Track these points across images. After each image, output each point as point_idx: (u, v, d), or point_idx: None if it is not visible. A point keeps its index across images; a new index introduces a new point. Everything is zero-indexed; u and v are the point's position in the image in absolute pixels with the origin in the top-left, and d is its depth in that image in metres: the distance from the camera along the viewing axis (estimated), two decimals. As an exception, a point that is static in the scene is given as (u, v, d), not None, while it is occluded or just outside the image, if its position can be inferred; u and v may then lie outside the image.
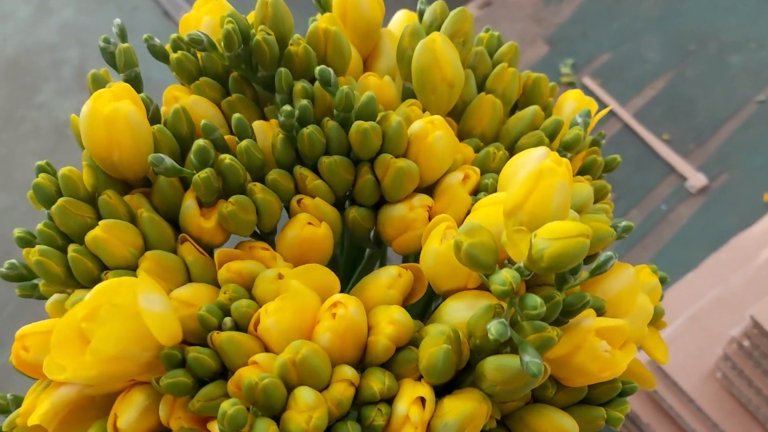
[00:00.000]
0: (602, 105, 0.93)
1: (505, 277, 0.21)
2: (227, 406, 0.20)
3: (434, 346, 0.23)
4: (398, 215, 0.27)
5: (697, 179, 0.86)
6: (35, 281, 0.28)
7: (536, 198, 0.22)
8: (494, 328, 0.20)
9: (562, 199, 0.23)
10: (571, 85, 0.94)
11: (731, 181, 0.86)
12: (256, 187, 0.26)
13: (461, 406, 0.23)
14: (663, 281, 0.30)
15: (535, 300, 0.21)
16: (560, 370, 0.25)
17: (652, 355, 0.29)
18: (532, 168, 0.23)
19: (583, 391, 0.26)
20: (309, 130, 0.26)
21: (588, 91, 0.94)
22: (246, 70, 0.29)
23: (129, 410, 0.23)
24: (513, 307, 0.22)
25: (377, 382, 0.23)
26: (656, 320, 0.29)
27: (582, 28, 1.00)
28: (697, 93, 0.94)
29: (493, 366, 0.23)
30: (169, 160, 0.25)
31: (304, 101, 0.26)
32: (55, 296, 0.26)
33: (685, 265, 0.80)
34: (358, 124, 0.26)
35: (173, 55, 0.29)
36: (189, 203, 0.26)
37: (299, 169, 0.27)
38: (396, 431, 0.22)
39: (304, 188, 0.27)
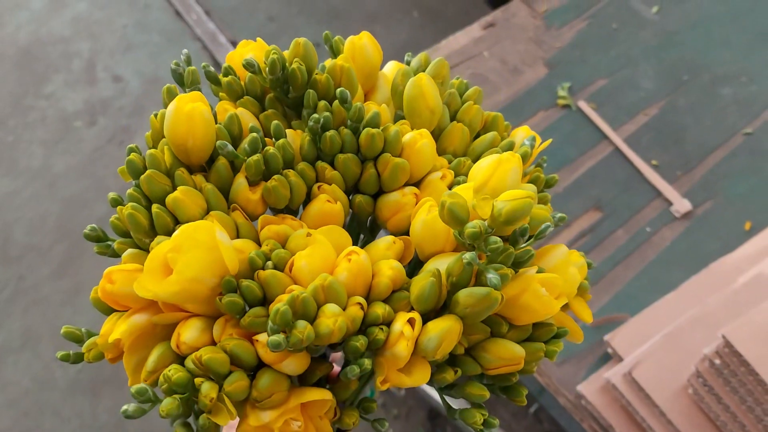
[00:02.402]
0: (596, 128, 0.96)
1: (475, 222, 0.28)
2: (279, 305, 0.27)
3: (423, 281, 0.30)
4: (393, 200, 0.35)
5: (682, 204, 0.90)
6: (109, 243, 0.36)
7: (497, 178, 0.32)
8: (468, 256, 0.29)
9: (515, 179, 0.32)
10: (567, 107, 0.98)
11: (715, 208, 0.90)
12: (290, 173, 0.34)
13: (440, 324, 0.30)
14: (589, 266, 0.38)
15: (496, 239, 0.28)
16: (511, 310, 0.32)
17: (578, 314, 0.36)
18: (494, 158, 0.32)
19: (528, 330, 0.33)
20: (330, 133, 0.34)
21: (582, 115, 0.97)
22: (280, 93, 0.37)
23: (189, 330, 0.30)
24: (480, 250, 0.29)
25: (380, 309, 0.30)
26: (583, 292, 0.37)
27: (581, 54, 1.04)
28: (688, 122, 0.97)
29: (465, 294, 0.30)
30: (230, 146, 0.33)
31: (327, 113, 0.35)
32: (130, 250, 0.34)
33: (666, 286, 0.84)
34: (367, 130, 0.34)
35: (224, 79, 0.37)
36: (241, 180, 0.34)
37: (320, 163, 0.35)
38: (393, 344, 0.30)
39: (323, 178, 0.35)
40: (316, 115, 0.34)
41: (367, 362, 0.30)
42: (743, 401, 0.68)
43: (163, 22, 1.86)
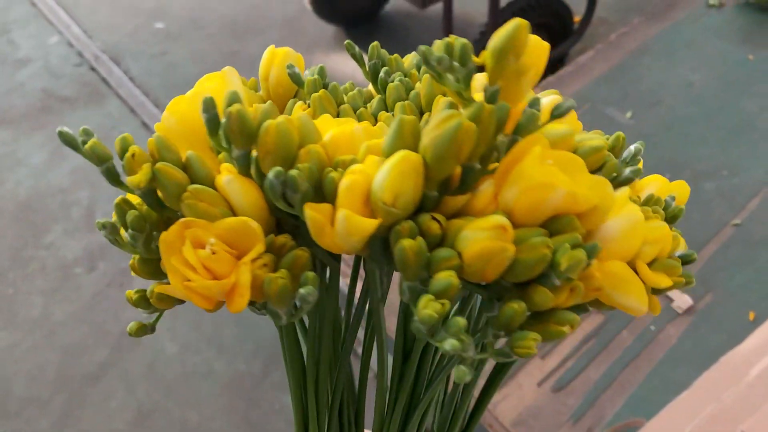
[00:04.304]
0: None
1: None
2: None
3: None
4: None
5: (682, 300, 0.89)
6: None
7: None
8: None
9: None
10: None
11: (716, 301, 0.89)
12: (347, 107, 0.32)
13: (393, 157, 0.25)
14: (688, 259, 0.28)
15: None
16: (505, 189, 0.25)
17: (651, 281, 0.26)
18: None
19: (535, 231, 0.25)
20: (395, 83, 0.32)
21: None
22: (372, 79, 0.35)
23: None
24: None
25: (348, 156, 0.26)
26: (671, 269, 0.27)
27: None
28: (676, 218, 0.99)
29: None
30: (297, 69, 0.33)
31: (401, 75, 0.33)
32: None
33: (678, 385, 0.81)
34: (426, 77, 0.31)
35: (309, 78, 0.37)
36: (297, 101, 0.33)
37: (381, 113, 0.32)
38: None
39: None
40: (387, 68, 0.33)
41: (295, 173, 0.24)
42: (775, 500, 0.65)
43: (158, 166, 1.92)
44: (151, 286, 0.28)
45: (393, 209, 0.24)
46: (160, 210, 0.28)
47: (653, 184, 0.31)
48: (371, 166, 0.25)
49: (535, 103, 0.25)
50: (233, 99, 0.26)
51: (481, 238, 0.24)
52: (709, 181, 1.03)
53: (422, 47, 0.25)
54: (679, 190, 0.31)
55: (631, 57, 1.23)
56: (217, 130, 0.26)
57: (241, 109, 0.25)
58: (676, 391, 0.81)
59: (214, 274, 0.25)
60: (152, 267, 0.28)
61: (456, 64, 0.25)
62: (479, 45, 1.60)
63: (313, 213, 0.24)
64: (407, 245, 0.24)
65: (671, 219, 0.29)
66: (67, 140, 0.27)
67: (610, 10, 2.31)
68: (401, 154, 0.24)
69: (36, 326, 1.59)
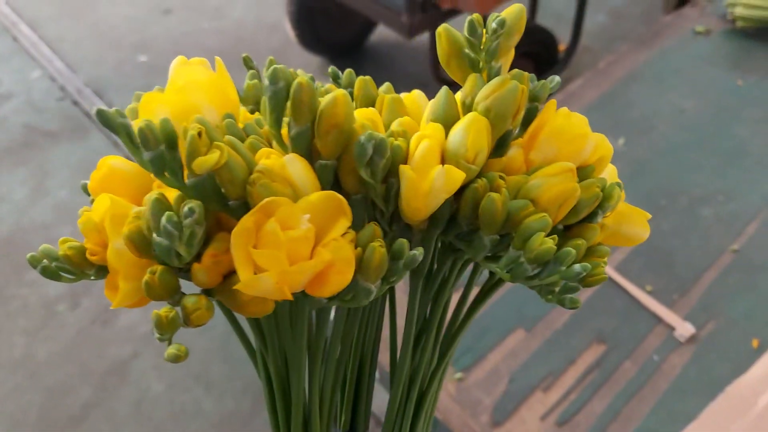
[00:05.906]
0: (585, 260, 0.96)
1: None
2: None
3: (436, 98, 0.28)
4: None
5: (684, 328, 0.88)
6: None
7: None
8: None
9: None
10: (553, 242, 0.98)
11: (718, 329, 0.88)
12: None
13: (461, 121, 0.26)
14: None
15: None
16: (537, 149, 0.28)
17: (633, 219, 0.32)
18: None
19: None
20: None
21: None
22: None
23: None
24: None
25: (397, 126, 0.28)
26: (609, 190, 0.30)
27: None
28: (674, 245, 0.98)
29: (481, 92, 0.27)
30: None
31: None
32: None
33: (684, 416, 0.80)
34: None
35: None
36: None
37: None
38: (414, 149, 0.26)
39: None
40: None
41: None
42: None
43: (144, 200, 1.89)
44: (189, 297, 0.24)
45: (473, 166, 0.26)
46: (215, 201, 0.24)
47: None
48: (436, 131, 0.26)
49: (533, 79, 0.29)
50: (284, 74, 0.24)
51: (555, 182, 0.26)
52: (705, 207, 1.02)
53: (471, 17, 0.27)
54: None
55: (620, 84, 1.23)
56: (282, 105, 0.24)
57: (310, 81, 0.24)
58: (684, 423, 0.79)
59: (292, 260, 0.23)
60: (175, 281, 0.24)
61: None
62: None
63: (411, 172, 0.25)
64: (496, 197, 0.26)
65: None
66: (105, 119, 0.23)
67: (594, 39, 2.34)
68: (473, 115, 0.26)
69: (18, 366, 1.54)
